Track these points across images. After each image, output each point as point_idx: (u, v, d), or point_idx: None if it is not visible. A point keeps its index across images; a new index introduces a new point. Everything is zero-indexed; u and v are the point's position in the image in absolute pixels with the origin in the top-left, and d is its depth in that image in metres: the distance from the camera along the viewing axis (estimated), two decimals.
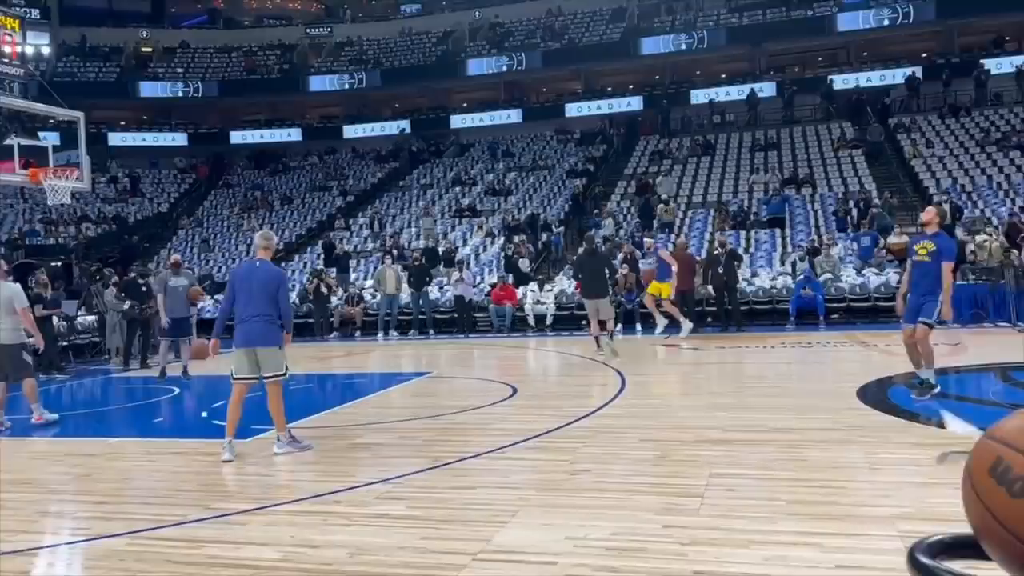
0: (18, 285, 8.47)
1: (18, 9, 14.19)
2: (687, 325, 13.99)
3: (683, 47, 31.14)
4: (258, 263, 6.66)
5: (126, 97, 34.53)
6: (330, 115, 36.95)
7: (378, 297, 18.31)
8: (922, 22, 28.56)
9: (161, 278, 11.95)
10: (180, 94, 34.95)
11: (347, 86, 34.68)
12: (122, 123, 35.59)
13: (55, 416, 8.48)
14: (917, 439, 5.99)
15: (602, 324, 12.00)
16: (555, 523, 4.36)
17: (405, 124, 34.54)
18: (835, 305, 16.14)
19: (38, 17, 30.84)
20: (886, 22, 28.86)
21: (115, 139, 34.23)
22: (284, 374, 6.55)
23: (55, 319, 14.02)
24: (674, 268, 13.52)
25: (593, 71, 33.40)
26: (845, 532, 4.01)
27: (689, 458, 5.65)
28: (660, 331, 13.91)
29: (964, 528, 1.36)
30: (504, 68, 33.25)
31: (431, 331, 17.87)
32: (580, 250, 13.56)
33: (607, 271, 12.29)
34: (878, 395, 7.89)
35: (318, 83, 35.11)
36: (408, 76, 34.18)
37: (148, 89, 34.92)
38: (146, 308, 13.33)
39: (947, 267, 7.25)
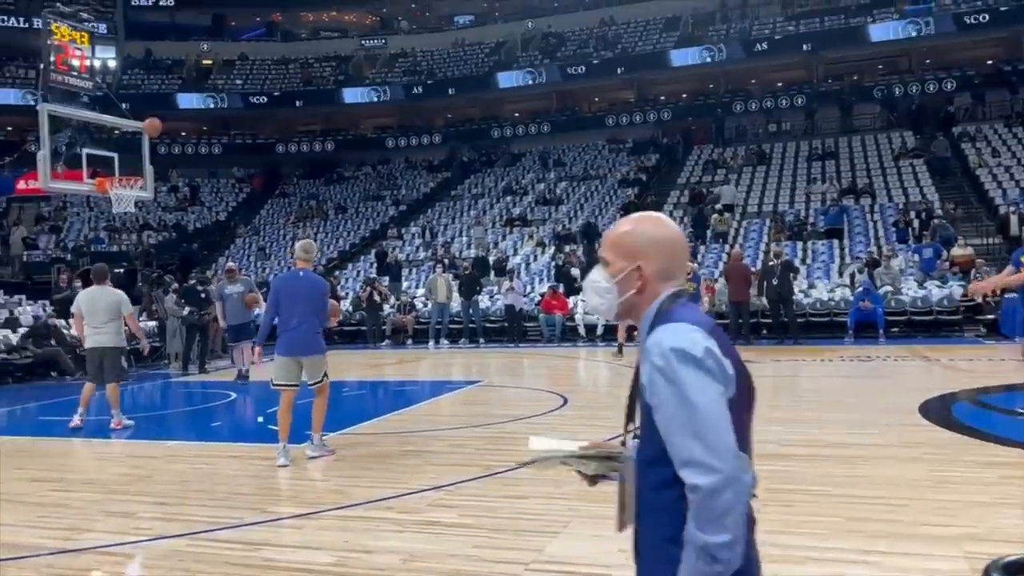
0: (123, 292, 8.86)
1: (87, 24, 14.66)
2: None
3: (740, 56, 30.76)
4: (301, 273, 6.74)
5: (177, 108, 35.48)
6: (383, 126, 37.43)
7: (429, 306, 18.45)
8: (985, 28, 27.75)
9: (219, 286, 12.27)
10: (239, 105, 35.74)
11: (400, 97, 35.05)
12: (183, 134, 36.55)
13: (132, 422, 8.72)
14: (983, 457, 5.80)
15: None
16: (607, 535, 4.28)
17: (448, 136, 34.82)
18: (895, 318, 15.73)
19: (106, 32, 31.97)
20: (947, 29, 28.13)
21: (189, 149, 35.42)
22: (322, 381, 6.71)
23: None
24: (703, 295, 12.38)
25: (646, 80, 33.23)
26: (906, 551, 3.90)
27: None
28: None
29: None
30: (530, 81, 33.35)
31: (481, 340, 17.92)
32: None
33: None
34: (941, 411, 7.66)
35: (362, 95, 35.55)
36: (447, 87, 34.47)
37: (199, 101, 35.80)
38: (204, 314, 13.65)
39: None
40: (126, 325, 8.74)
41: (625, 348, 13.68)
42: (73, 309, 8.79)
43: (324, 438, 6.85)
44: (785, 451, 6.13)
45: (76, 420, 8.37)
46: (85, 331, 8.50)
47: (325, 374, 6.71)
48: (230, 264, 14.32)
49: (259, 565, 4.08)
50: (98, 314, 8.40)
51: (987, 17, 27.38)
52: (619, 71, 32.46)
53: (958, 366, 11.29)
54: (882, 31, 28.95)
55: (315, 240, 28.76)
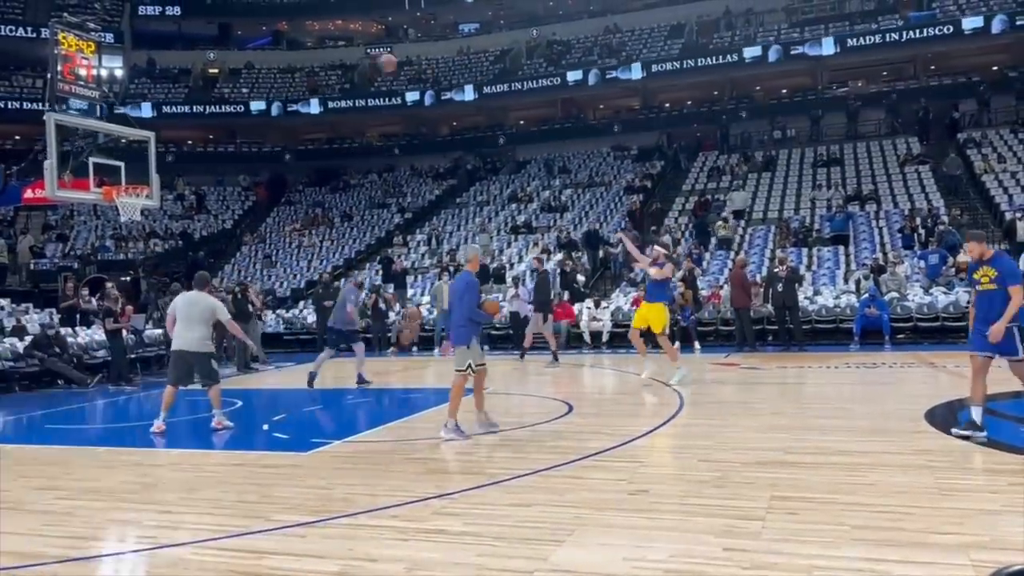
0: (217, 300, 9.27)
1: (94, 34, 14.74)
2: (650, 365, 11.08)
3: (743, 62, 30.76)
4: (458, 275, 7.87)
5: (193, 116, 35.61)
6: (389, 133, 37.52)
7: (435, 313, 18.44)
8: (992, 34, 27.69)
9: (347, 293, 12.58)
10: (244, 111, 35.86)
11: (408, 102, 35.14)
12: (189, 142, 36.68)
13: (231, 424, 8.89)
14: (990, 465, 5.78)
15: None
16: (612, 543, 4.31)
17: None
18: (901, 325, 15.69)
19: (112, 41, 32.13)
20: (953, 34, 28.06)
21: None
22: (464, 370, 7.48)
23: (124, 332, 14.46)
24: (676, 286, 11.57)
25: (650, 87, 33.26)
26: (914, 560, 3.88)
27: (749, 480, 5.54)
28: (647, 374, 11.00)
29: None
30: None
31: (486, 347, 17.89)
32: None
33: None
34: (948, 418, 7.63)
35: (377, 101, 35.64)
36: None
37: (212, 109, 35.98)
38: None
39: (1015, 290, 6.62)
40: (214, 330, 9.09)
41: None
42: (168, 311, 9.05)
43: (455, 423, 7.51)
44: (791, 459, 6.11)
45: (159, 425, 8.55)
46: (175, 332, 8.75)
47: (469, 365, 7.47)
48: (360, 277, 14.53)
49: (264, 574, 4.08)
50: (193, 319, 8.66)
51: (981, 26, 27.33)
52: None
53: (964, 373, 11.19)
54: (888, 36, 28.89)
55: (320, 248, 29.03)
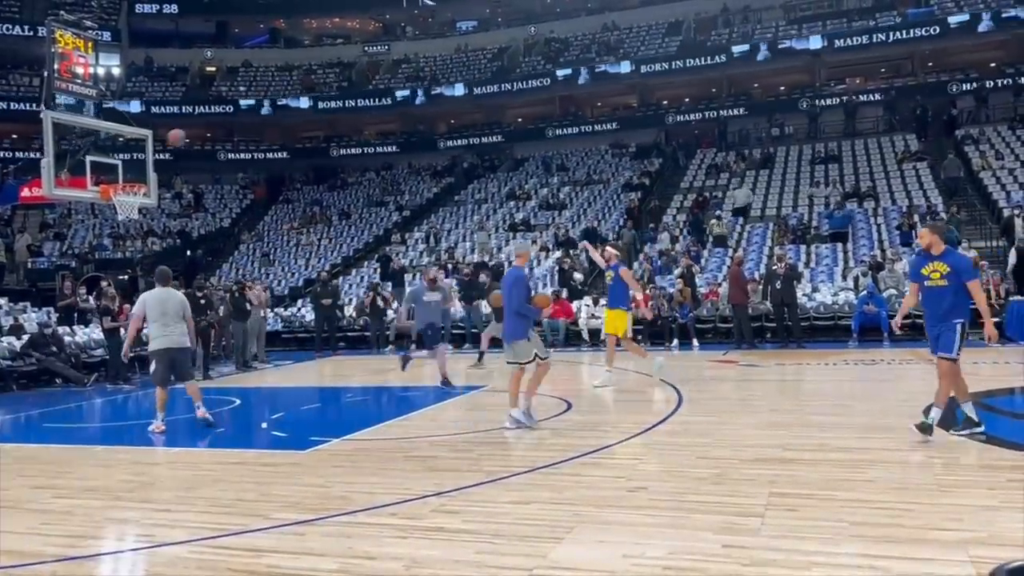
0: (182, 295, 9.21)
1: (91, 32, 14.70)
2: (605, 374, 10.81)
3: (742, 59, 30.77)
4: (513, 270, 8.01)
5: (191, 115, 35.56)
6: (386, 132, 37.47)
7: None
8: (988, 31, 27.70)
9: (414, 292, 12.18)
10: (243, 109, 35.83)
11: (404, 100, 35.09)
12: (187, 140, 36.61)
13: (211, 419, 8.88)
14: (987, 461, 5.79)
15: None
16: (611, 540, 4.31)
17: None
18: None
19: (109, 39, 32.05)
20: (951, 31, 28.07)
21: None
22: (519, 362, 7.71)
23: (122, 331, 14.43)
24: (635, 293, 10.85)
25: (648, 85, 33.26)
26: (912, 556, 3.88)
27: (748, 477, 5.54)
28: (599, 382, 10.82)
29: None
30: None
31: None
32: None
33: None
34: (946, 415, 7.63)
35: (372, 99, 35.62)
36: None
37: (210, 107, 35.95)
38: (201, 320, 13.59)
39: (974, 285, 6.45)
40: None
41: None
42: (136, 311, 8.88)
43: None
44: (789, 455, 6.11)
45: (158, 425, 8.52)
46: (154, 332, 8.65)
47: (536, 355, 7.67)
48: (432, 271, 14.10)
49: (263, 572, 4.07)
50: (169, 315, 8.61)
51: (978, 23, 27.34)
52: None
53: (963, 370, 11.23)
54: (888, 33, 28.88)
55: (318, 246, 29.00)
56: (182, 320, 8.71)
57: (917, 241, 7.01)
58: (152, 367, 8.78)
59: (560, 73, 33.03)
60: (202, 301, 14.06)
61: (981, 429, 6.46)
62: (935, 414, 6.50)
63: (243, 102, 35.73)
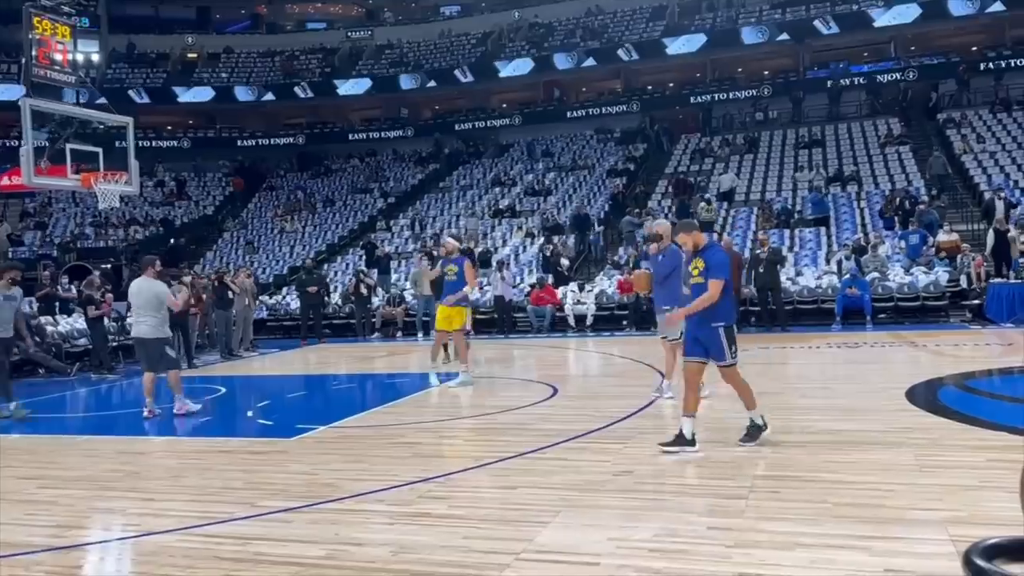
0: (164, 285, 9.14)
1: (69, 18, 14.51)
2: (465, 375, 9.95)
3: (724, 43, 30.77)
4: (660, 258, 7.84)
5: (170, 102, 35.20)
6: (369, 118, 37.26)
7: (416, 298, 18.37)
8: (971, 15, 27.80)
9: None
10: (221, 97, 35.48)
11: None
12: (168, 128, 36.27)
13: (198, 407, 8.88)
14: (969, 442, 5.86)
15: None
16: (597, 524, 4.34)
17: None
18: (883, 305, 15.83)
19: (88, 25, 31.64)
20: (933, 15, 28.15)
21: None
22: (668, 337, 7.94)
23: (106, 320, 14.33)
24: (468, 290, 10.08)
25: (632, 70, 33.21)
26: (894, 536, 3.94)
27: (733, 460, 5.59)
28: (441, 381, 10.24)
29: (1021, 533, 1.32)
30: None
31: (471, 331, 17.88)
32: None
33: None
34: (928, 396, 7.73)
35: (352, 87, 35.38)
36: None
37: (190, 94, 35.58)
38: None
39: (715, 284, 5.87)
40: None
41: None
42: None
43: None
44: (773, 438, 6.15)
45: (152, 410, 8.64)
46: (131, 321, 8.92)
47: (681, 332, 7.04)
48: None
49: (250, 559, 4.08)
50: (140, 306, 8.67)
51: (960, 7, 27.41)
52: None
53: (944, 351, 11.37)
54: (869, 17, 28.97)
55: (303, 233, 28.86)
56: (155, 311, 8.64)
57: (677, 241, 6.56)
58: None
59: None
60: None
61: (695, 449, 5.78)
62: (753, 415, 6.05)
63: (224, 88, 35.42)
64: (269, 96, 35.53)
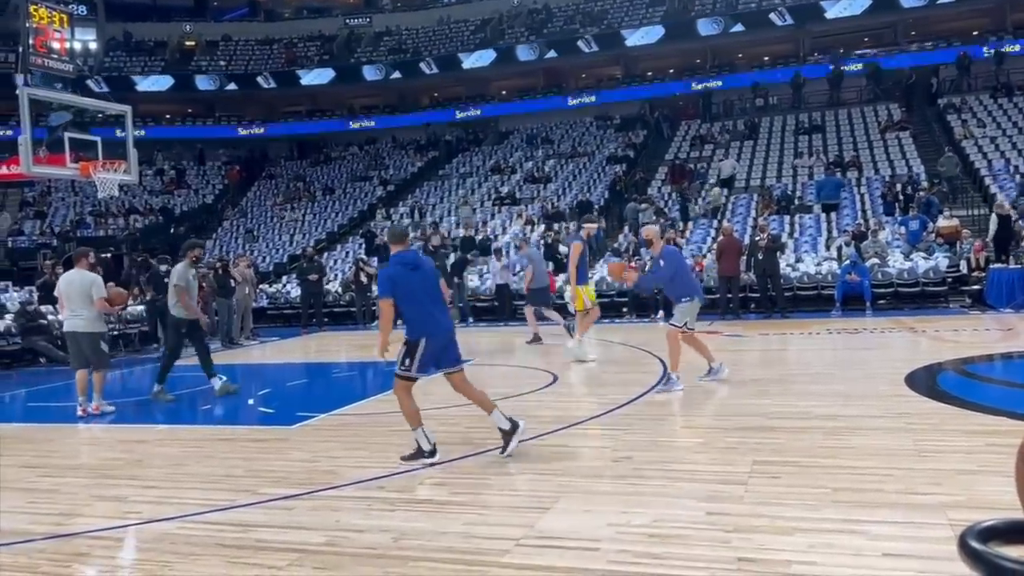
0: (97, 275, 8.66)
1: (66, 6, 14.45)
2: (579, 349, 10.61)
3: (726, 29, 30.63)
4: (660, 263, 8.18)
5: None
6: (369, 105, 37.15)
7: None
8: None
9: (532, 255, 13.66)
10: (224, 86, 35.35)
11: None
12: (167, 116, 36.17)
13: (112, 408, 8.69)
14: (967, 426, 5.87)
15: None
16: (597, 509, 4.36)
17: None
18: (882, 290, 15.83)
19: (85, 13, 31.46)
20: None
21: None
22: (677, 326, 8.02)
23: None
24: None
25: (632, 56, 33.07)
26: (892, 520, 3.95)
27: (732, 445, 5.60)
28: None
29: (1017, 516, 1.33)
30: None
31: (470, 319, 17.92)
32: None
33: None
34: (927, 382, 7.74)
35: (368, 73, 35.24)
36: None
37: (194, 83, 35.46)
38: (159, 299, 13.40)
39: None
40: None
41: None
42: (56, 293, 8.75)
43: None
44: (773, 423, 6.18)
45: (80, 410, 8.35)
46: (62, 316, 8.47)
47: (685, 323, 7.96)
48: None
49: (251, 546, 4.09)
50: (72, 299, 8.31)
51: None
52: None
53: (943, 337, 11.38)
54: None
55: (303, 222, 28.83)
56: (88, 303, 8.26)
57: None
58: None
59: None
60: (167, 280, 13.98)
61: (431, 460, 5.47)
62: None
63: (223, 76, 35.29)
64: (269, 82, 35.30)
